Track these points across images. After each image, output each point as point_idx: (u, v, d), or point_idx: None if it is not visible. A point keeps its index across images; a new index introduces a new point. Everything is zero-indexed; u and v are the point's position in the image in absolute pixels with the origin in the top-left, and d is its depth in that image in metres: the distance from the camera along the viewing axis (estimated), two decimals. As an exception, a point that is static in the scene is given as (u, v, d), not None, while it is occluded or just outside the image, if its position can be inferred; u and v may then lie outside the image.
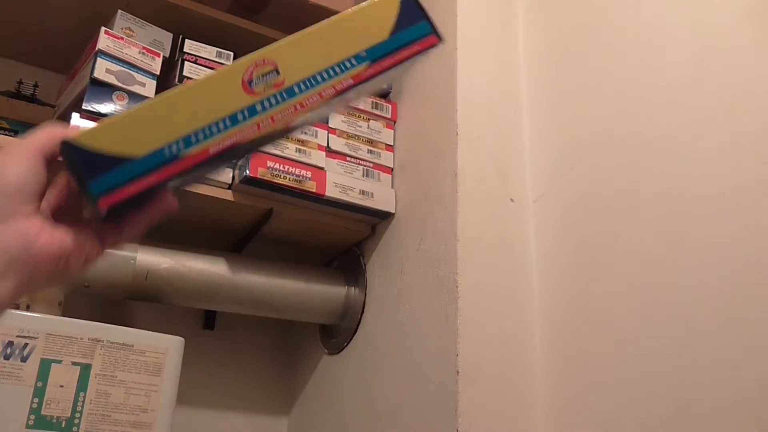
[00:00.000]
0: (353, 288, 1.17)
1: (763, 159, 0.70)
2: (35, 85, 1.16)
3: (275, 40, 1.34)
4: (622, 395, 0.79)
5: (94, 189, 0.44)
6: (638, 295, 0.80)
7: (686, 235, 0.76)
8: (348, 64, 0.49)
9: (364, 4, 0.51)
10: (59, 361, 0.87)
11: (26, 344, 0.86)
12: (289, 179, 1.04)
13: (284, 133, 0.48)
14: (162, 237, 1.01)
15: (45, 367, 0.86)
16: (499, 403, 0.88)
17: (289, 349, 1.39)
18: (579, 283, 0.90)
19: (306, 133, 1.10)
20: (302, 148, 1.08)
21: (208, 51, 1.12)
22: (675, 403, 0.73)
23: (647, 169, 0.83)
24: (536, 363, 0.93)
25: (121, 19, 1.08)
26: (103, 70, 0.99)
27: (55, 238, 0.44)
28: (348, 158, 1.12)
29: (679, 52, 0.83)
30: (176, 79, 1.08)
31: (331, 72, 0.49)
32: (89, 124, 0.91)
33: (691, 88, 0.79)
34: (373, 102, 1.18)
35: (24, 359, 0.85)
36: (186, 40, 1.12)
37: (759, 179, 0.69)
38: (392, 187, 1.14)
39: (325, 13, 1.29)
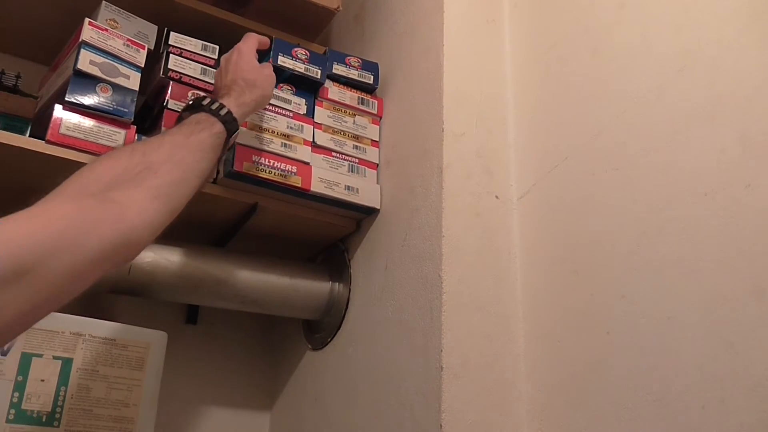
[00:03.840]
0: (337, 283, 1.17)
1: (747, 158, 0.70)
2: (17, 76, 1.14)
3: (262, 34, 1.34)
4: (605, 391, 0.80)
5: None
6: (621, 293, 0.81)
7: (670, 233, 0.77)
8: None
9: None
10: (40, 355, 0.86)
11: (6, 338, 0.85)
12: (275, 174, 1.04)
13: None
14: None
15: (26, 361, 0.85)
16: (482, 398, 0.88)
17: (273, 344, 1.39)
18: (563, 280, 0.90)
19: (291, 128, 1.09)
20: (288, 142, 1.08)
21: (193, 44, 1.11)
22: (658, 400, 0.73)
23: (632, 167, 0.84)
24: (520, 359, 0.93)
25: (106, 10, 1.06)
26: (86, 61, 0.98)
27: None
28: (333, 153, 1.12)
29: (664, 50, 0.83)
30: (161, 72, 1.07)
31: None
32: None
33: (677, 85, 0.80)
34: (359, 97, 1.18)
35: (4, 353, 0.85)
36: (171, 32, 1.11)
37: (742, 178, 0.70)
38: (377, 183, 1.14)
39: (311, 7, 1.29)
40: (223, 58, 1.00)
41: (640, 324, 0.77)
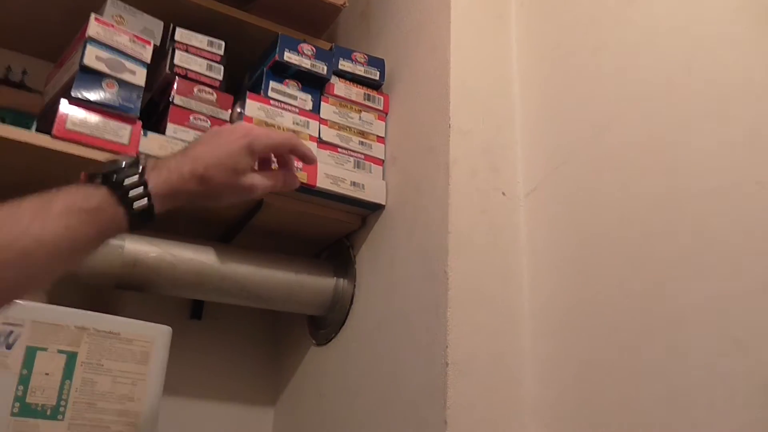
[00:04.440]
0: (342, 279, 1.17)
1: (755, 156, 0.70)
2: (24, 72, 1.14)
3: (267, 30, 1.33)
4: (611, 389, 0.80)
5: None
6: (628, 289, 0.80)
7: (679, 230, 0.76)
8: None
9: None
10: (45, 349, 0.86)
11: (11, 331, 0.85)
12: (280, 169, 1.04)
13: None
14: (150, 226, 1.00)
15: (30, 354, 0.85)
16: (488, 395, 0.88)
17: (277, 339, 1.39)
18: (569, 276, 0.90)
19: (297, 124, 1.09)
20: (293, 138, 1.08)
21: (199, 40, 1.11)
22: (665, 398, 0.73)
23: (639, 164, 0.83)
24: (526, 356, 0.93)
25: (112, 6, 1.06)
26: (92, 57, 0.98)
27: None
28: (339, 149, 1.12)
29: (671, 47, 0.83)
30: (167, 68, 1.07)
31: None
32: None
33: (683, 83, 0.80)
34: (365, 94, 1.17)
35: (9, 346, 0.85)
36: (177, 28, 1.11)
37: (751, 176, 0.69)
38: (383, 179, 1.13)
39: (317, 3, 1.29)
40: (237, 124, 0.86)
41: (647, 321, 0.77)
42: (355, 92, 1.17)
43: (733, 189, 0.71)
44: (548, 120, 1.01)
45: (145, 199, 0.67)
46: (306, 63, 1.13)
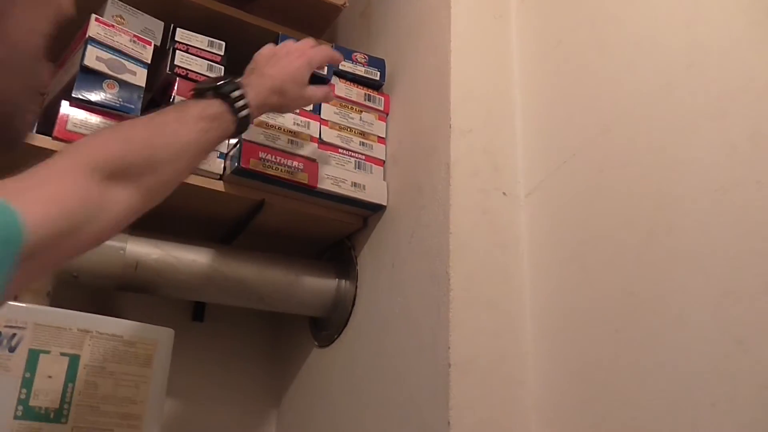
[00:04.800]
0: (344, 281, 1.17)
1: (757, 155, 0.70)
2: (24, 73, 1.14)
3: (268, 30, 1.33)
4: (613, 389, 0.80)
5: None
6: (630, 290, 0.80)
7: (680, 230, 0.76)
8: None
9: None
10: (47, 352, 0.86)
11: (14, 334, 0.85)
12: (281, 170, 1.04)
13: None
14: (152, 227, 1.00)
15: (33, 357, 0.85)
16: (490, 395, 0.88)
17: (279, 341, 1.39)
18: (571, 277, 0.90)
19: (298, 125, 1.09)
20: (294, 139, 1.07)
21: (199, 40, 1.11)
22: (667, 398, 0.73)
23: (641, 163, 0.83)
24: (528, 356, 0.93)
25: (112, 6, 1.06)
26: (93, 57, 0.98)
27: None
28: (340, 150, 1.11)
29: (673, 45, 0.82)
30: (168, 68, 1.07)
31: None
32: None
33: (686, 81, 0.79)
34: (365, 94, 1.17)
35: (12, 349, 0.85)
36: (177, 29, 1.10)
37: (753, 174, 0.69)
38: (384, 180, 1.13)
39: (317, 3, 1.28)
40: (283, 45, 0.98)
41: (649, 321, 0.77)
42: (356, 93, 1.16)
43: (734, 188, 0.71)
44: (549, 119, 1.01)
45: (247, 109, 0.83)
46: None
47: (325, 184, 1.07)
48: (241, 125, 0.83)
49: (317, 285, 1.16)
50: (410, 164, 1.08)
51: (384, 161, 1.15)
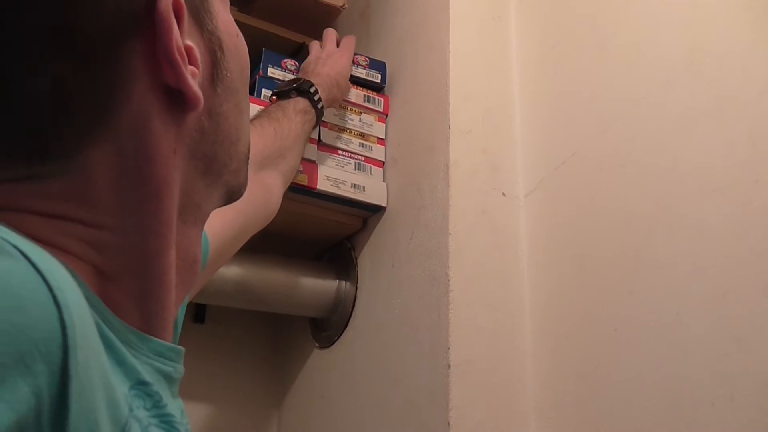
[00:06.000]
0: (344, 282, 1.17)
1: (756, 154, 0.70)
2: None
3: (268, 32, 1.32)
4: (612, 389, 0.80)
5: None
6: (629, 290, 0.80)
7: (679, 230, 0.76)
8: None
9: None
10: (48, 354, 0.86)
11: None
12: (281, 172, 1.04)
13: None
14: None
15: (33, 359, 0.85)
16: (490, 396, 0.88)
17: (280, 342, 1.39)
18: (570, 277, 0.90)
19: (297, 126, 1.09)
20: (294, 140, 1.08)
21: (199, 42, 1.11)
22: (666, 398, 0.73)
23: (640, 163, 0.83)
24: (527, 356, 0.93)
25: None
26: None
27: None
28: (340, 151, 1.12)
29: (672, 46, 0.83)
30: (167, 71, 1.07)
31: None
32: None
33: (684, 82, 0.80)
34: (365, 95, 1.17)
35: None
36: (177, 30, 1.10)
37: (751, 174, 0.69)
38: (384, 181, 1.13)
39: (316, 4, 1.29)
40: (323, 49, 1.10)
41: (648, 321, 0.77)
42: (355, 94, 1.16)
43: (733, 188, 0.71)
44: (548, 120, 1.01)
45: (321, 102, 0.97)
46: (290, 78, 1.12)
47: (325, 186, 1.07)
48: (319, 116, 0.97)
49: (317, 286, 1.16)
50: (409, 165, 1.08)
51: (383, 162, 1.15)
